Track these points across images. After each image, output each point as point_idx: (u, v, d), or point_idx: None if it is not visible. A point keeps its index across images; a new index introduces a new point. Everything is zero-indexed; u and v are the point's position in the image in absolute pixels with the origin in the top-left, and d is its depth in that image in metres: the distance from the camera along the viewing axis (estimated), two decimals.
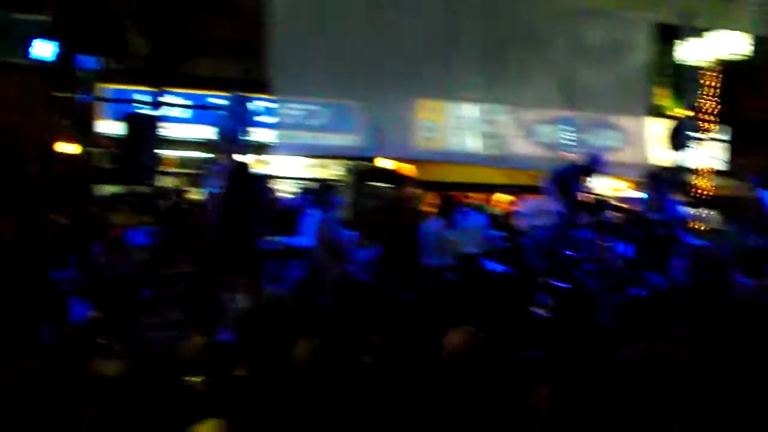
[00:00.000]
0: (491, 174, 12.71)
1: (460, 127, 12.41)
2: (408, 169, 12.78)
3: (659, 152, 12.32)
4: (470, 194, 12.39)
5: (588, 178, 7.98)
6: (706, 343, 3.45)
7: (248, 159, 8.07)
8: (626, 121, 13.16)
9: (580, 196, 7.32)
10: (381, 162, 12.74)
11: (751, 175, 8.40)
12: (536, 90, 12.28)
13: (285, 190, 11.51)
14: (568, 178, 7.39)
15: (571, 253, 6.06)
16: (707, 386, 2.98)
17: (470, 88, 12.01)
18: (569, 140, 11.78)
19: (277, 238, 6.61)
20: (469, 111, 12.33)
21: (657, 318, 3.74)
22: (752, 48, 11.91)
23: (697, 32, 12.04)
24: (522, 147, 12.54)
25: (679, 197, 8.04)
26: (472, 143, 12.31)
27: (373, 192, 11.94)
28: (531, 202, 7.73)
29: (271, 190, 8.43)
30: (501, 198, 12.91)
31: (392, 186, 12.27)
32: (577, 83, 12.25)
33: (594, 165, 7.54)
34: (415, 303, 4.94)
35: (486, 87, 12.05)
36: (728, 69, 12.60)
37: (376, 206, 9.99)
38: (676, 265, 6.07)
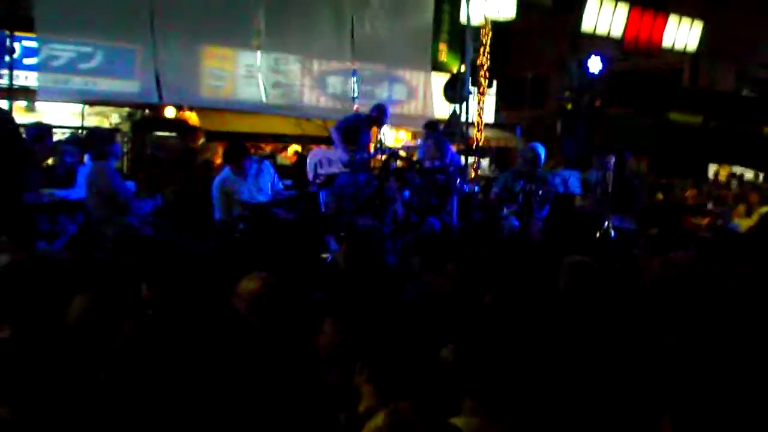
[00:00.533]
0: (282, 124, 12.66)
1: (251, 75, 12.14)
2: (195, 118, 12.28)
3: (440, 105, 13.07)
4: (262, 145, 12.26)
5: (376, 129, 8.24)
6: (479, 277, 3.75)
7: (7, 104, 7.21)
8: (411, 75, 13.76)
9: (369, 146, 7.53)
10: (166, 110, 12.09)
11: (516, 126, 9.27)
12: (326, 41, 12.37)
13: (61, 139, 10.50)
14: (357, 128, 7.55)
15: (361, 200, 6.21)
16: (478, 315, 3.27)
17: (259, 36, 11.77)
18: (357, 92, 12.04)
19: (49, 191, 6.03)
20: (259, 60, 12.11)
21: (435, 256, 4.00)
22: (517, 11, 12.94)
23: None
24: (312, 97, 12.61)
25: (456, 146, 8.58)
26: (263, 92, 12.13)
27: (157, 142, 11.31)
28: (320, 152, 7.81)
29: (43, 139, 7.62)
30: (294, 149, 12.94)
31: (178, 136, 11.72)
32: (365, 37, 12.53)
33: (381, 116, 7.77)
34: (204, 253, 4.83)
35: (276, 36, 11.88)
36: (498, 30, 13.60)
37: (161, 157, 9.48)
38: (453, 209, 6.53)
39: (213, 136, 11.89)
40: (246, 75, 12.13)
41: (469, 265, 3.81)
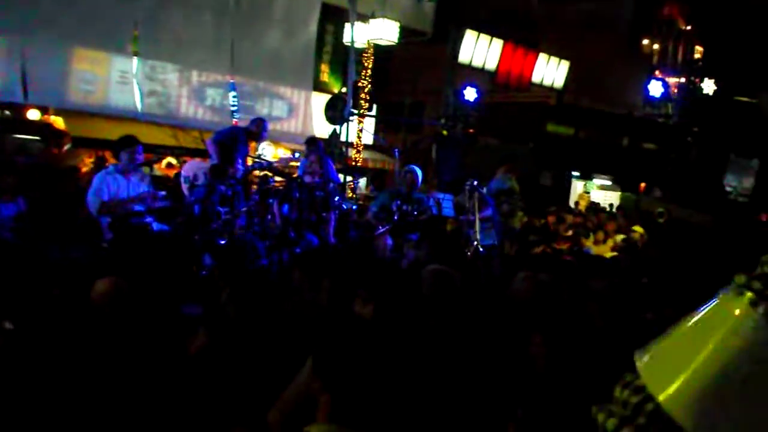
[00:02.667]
0: (157, 135, 12.22)
1: (125, 81, 11.70)
2: (60, 123, 11.62)
3: (320, 124, 13.18)
4: None
5: (253, 143, 8.16)
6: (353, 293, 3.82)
7: None
8: (292, 93, 13.79)
9: (246, 160, 7.45)
10: (29, 113, 11.36)
11: (394, 149, 9.54)
12: (205, 52, 12.17)
13: None
14: (234, 141, 7.46)
15: (226, 213, 6.10)
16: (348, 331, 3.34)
17: (135, 42, 11.41)
18: (236, 105, 11.90)
19: None
20: (135, 66, 11.70)
21: (313, 271, 4.04)
22: (400, 37, 13.33)
23: (360, 17, 13.08)
24: (190, 108, 12.33)
25: (335, 165, 8.67)
26: (138, 100, 11.71)
27: (16, 145, 10.58)
28: (195, 165, 7.61)
29: None
30: (167, 161, 12.53)
31: (42, 140, 11.04)
32: (246, 51, 12.44)
33: (260, 130, 7.70)
34: (70, 260, 4.60)
35: (153, 43, 11.54)
36: (380, 54, 13.95)
37: (21, 161, 8.88)
38: (330, 226, 6.60)
39: (80, 143, 11.30)
40: (120, 81, 11.68)
41: (345, 281, 3.88)
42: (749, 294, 0.82)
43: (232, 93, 12.19)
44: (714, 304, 0.86)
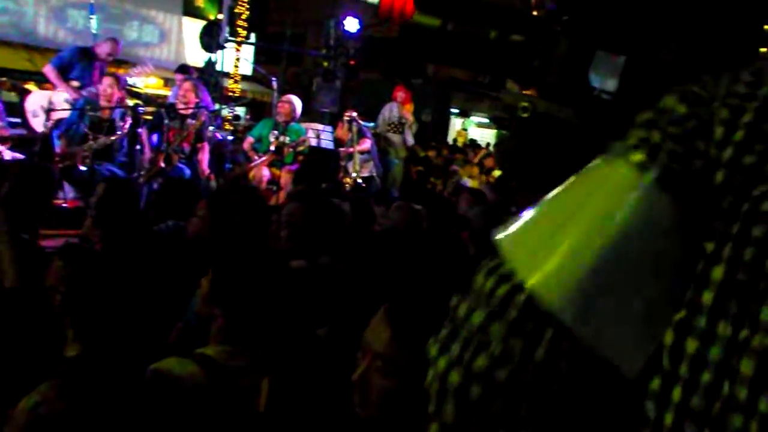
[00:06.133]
0: (11, 57, 11.17)
1: None
2: None
3: (195, 52, 12.52)
4: None
5: (121, 69, 7.63)
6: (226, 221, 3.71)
7: None
8: (164, 18, 12.98)
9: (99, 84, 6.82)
10: None
11: (272, 78, 9.30)
12: None
13: None
14: (75, 62, 6.86)
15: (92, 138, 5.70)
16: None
17: None
18: (98, 28, 11.04)
19: None
20: None
21: (185, 200, 3.89)
22: None
23: None
24: (49, 30, 11.34)
25: (209, 95, 8.30)
26: None
27: None
28: (39, 95, 6.92)
29: None
30: (27, 87, 11.52)
31: None
32: None
33: (112, 50, 7.11)
34: None
35: None
36: None
37: None
38: (205, 156, 6.35)
39: None
40: None
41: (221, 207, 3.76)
42: (637, 156, 0.67)
43: (96, 16, 11.27)
44: (590, 170, 0.70)
